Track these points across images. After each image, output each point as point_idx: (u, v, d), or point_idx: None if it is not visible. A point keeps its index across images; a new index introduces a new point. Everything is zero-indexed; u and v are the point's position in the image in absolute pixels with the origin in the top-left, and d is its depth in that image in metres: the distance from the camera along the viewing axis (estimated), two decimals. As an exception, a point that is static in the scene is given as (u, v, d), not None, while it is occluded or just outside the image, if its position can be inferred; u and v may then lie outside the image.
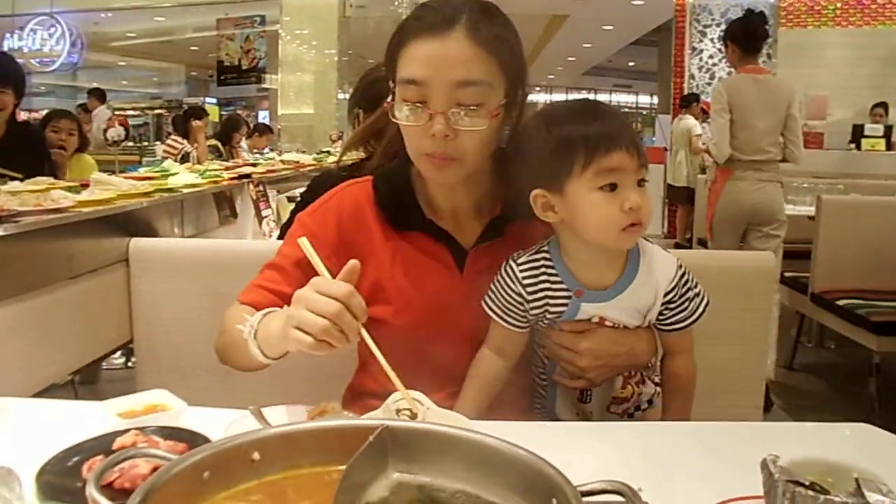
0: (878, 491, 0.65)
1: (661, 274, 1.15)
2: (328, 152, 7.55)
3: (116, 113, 10.21)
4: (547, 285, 1.15)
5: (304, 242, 1.04)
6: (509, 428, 1.01)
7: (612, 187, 1.05)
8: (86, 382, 3.27)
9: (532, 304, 1.16)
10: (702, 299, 1.19)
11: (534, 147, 1.11)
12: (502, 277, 1.17)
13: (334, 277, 1.01)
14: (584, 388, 1.20)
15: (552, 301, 1.15)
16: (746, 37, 3.65)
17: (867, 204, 3.70)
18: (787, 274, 3.74)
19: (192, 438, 0.88)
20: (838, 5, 8.68)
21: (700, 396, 1.35)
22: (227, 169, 3.43)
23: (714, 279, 1.54)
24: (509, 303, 1.16)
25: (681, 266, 1.17)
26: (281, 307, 1.10)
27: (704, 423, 1.06)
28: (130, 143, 10.54)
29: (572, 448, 0.95)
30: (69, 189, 2.16)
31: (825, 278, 3.50)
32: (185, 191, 2.62)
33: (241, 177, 3.09)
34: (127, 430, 0.88)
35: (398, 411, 0.93)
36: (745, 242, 3.58)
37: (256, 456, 0.73)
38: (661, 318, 1.18)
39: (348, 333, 0.95)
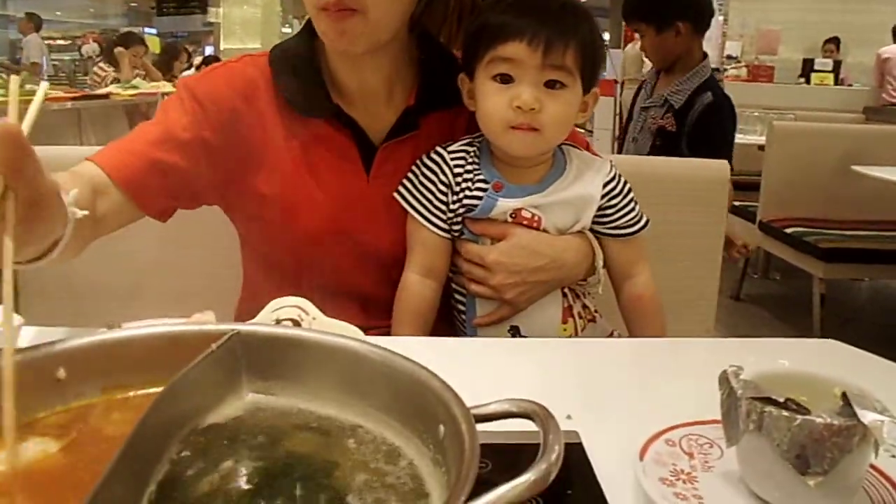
0: (872, 408, 0.50)
1: (594, 171, 1.03)
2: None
3: (46, 42, 9.59)
4: (469, 176, 1.00)
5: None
6: (415, 343, 0.85)
7: (506, 79, 0.95)
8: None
9: (454, 199, 0.99)
10: (641, 212, 1.06)
11: (467, 29, 1.02)
12: (427, 166, 1.00)
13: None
14: (508, 315, 1.01)
15: (469, 194, 0.99)
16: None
17: (817, 131, 3.61)
18: (736, 203, 3.64)
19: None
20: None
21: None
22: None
23: (663, 188, 1.40)
24: (436, 197, 0.99)
25: (616, 167, 1.05)
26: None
27: (649, 339, 0.90)
28: (62, 74, 10.03)
29: (491, 367, 0.80)
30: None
31: (773, 207, 3.42)
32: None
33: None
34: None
35: (278, 321, 0.75)
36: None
37: (62, 373, 0.55)
38: (604, 219, 1.02)
39: None
